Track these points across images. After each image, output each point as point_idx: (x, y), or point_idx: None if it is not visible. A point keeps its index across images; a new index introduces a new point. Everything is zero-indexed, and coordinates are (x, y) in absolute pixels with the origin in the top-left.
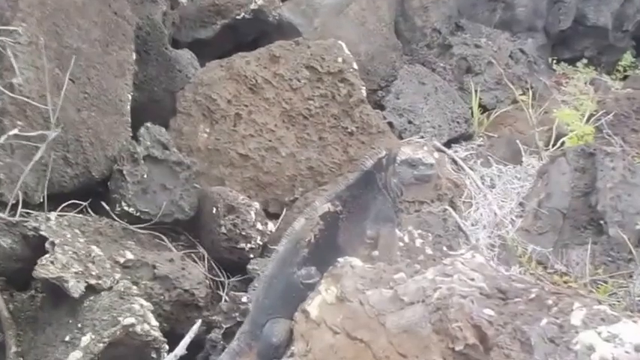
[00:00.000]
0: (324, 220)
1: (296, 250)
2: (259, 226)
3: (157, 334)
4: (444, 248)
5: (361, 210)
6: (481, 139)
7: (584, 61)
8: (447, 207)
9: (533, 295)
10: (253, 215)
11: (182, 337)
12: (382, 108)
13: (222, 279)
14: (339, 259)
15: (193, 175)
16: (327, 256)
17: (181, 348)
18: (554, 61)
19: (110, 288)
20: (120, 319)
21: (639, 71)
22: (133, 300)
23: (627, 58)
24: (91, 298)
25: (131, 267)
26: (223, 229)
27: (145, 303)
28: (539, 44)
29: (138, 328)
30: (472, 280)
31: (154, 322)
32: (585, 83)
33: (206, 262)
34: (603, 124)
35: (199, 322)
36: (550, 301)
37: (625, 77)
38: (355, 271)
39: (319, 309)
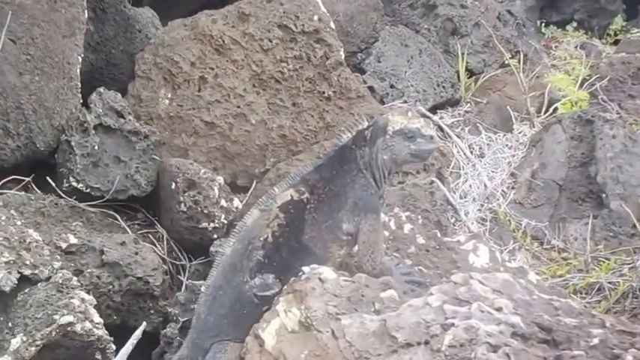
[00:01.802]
0: (285, 212)
1: (248, 253)
2: (223, 202)
3: (102, 332)
4: (432, 226)
5: (335, 197)
6: (468, 104)
7: (574, 24)
8: (434, 179)
9: (596, 341)
10: (216, 191)
11: (135, 330)
12: (362, 72)
13: (184, 262)
14: (305, 267)
15: (152, 146)
16: (289, 260)
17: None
18: (543, 24)
19: (48, 279)
20: (56, 317)
21: (631, 35)
22: (73, 294)
23: (618, 21)
24: (26, 291)
25: (75, 253)
26: (183, 207)
27: (86, 297)
28: (527, 6)
29: (77, 327)
30: (499, 310)
31: (98, 319)
32: (576, 47)
33: (165, 243)
34: (598, 90)
35: (144, 324)
36: (630, 358)
37: (616, 42)
38: (326, 286)
39: (277, 337)
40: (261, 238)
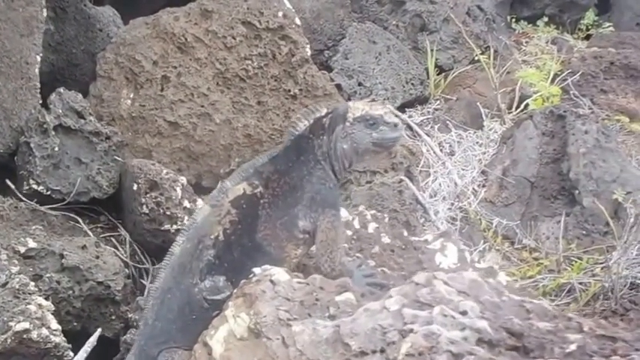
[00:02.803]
0: (237, 208)
1: (198, 253)
2: (186, 203)
3: (59, 339)
4: (401, 226)
5: (291, 191)
6: (438, 102)
7: (545, 19)
8: (403, 177)
9: (573, 347)
10: (179, 191)
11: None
12: (329, 69)
13: (147, 266)
14: (256, 269)
15: (114, 147)
16: (241, 260)
17: None
18: (513, 20)
19: (5, 284)
20: (11, 324)
21: (602, 30)
22: (30, 299)
23: (590, 16)
24: None
25: (34, 257)
26: (145, 209)
27: (44, 302)
28: (497, 1)
29: (34, 334)
30: (464, 313)
31: (55, 326)
32: (547, 42)
33: (128, 246)
34: (570, 85)
35: (99, 331)
36: None
37: (587, 36)
38: (277, 289)
39: (225, 344)
40: (212, 237)
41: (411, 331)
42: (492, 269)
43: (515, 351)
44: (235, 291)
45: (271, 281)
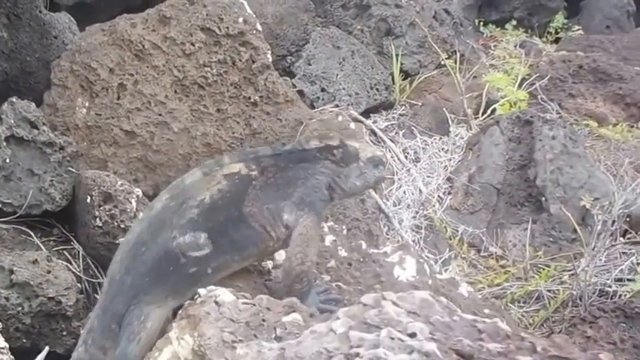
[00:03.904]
0: (229, 181)
1: (181, 210)
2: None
3: (6, 357)
4: (362, 236)
5: (284, 185)
6: (403, 107)
7: (514, 22)
8: None
9: None
10: (134, 204)
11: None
12: (292, 75)
13: (100, 280)
14: (201, 290)
15: (68, 158)
16: (225, 226)
17: None
18: (481, 23)
19: None
20: None
21: (572, 33)
22: None
23: (559, 19)
24: None
25: None
26: (99, 222)
27: None
28: (465, 4)
29: None
30: (412, 336)
31: (2, 344)
32: (515, 46)
33: (81, 260)
34: (537, 89)
35: (46, 349)
36: None
37: (557, 40)
38: (222, 310)
39: None
40: (198, 199)
41: (357, 355)
42: (454, 280)
43: None
44: (180, 312)
45: (216, 302)
